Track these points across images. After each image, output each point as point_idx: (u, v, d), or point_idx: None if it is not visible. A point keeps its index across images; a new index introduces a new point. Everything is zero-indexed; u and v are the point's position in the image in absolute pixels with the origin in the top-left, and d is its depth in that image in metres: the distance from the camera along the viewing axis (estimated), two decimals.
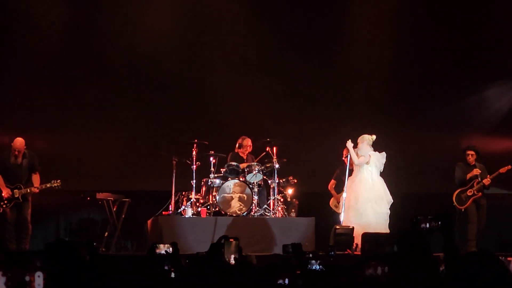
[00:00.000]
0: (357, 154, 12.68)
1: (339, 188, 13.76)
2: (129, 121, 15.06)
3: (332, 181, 13.90)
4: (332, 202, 13.75)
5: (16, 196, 12.36)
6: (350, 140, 12.72)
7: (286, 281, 5.71)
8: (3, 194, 12.36)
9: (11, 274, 5.35)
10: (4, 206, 12.37)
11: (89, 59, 14.95)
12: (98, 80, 14.99)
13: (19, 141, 12.52)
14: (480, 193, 13.08)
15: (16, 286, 5.33)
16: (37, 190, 12.50)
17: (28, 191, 12.44)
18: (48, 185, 12.55)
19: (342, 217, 12.58)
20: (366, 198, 12.43)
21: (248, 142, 13.94)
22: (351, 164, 13.17)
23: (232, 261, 5.95)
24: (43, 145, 14.29)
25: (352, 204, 12.47)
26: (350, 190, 12.57)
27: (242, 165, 13.49)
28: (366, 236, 11.47)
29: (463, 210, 13.07)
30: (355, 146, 12.77)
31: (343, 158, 13.53)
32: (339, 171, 13.90)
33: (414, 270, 4.94)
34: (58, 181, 12.56)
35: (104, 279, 5.54)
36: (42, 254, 5.43)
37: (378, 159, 12.63)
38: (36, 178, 12.60)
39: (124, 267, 7.14)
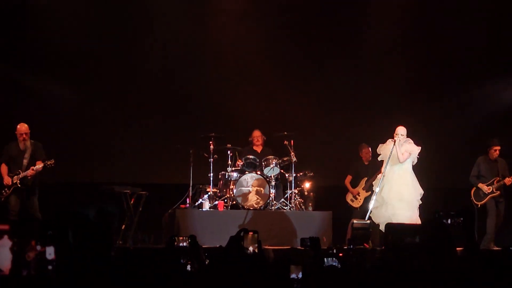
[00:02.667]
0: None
1: (355, 183, 13.74)
2: (147, 114, 15.07)
3: (349, 177, 13.88)
4: (348, 196, 13.75)
5: (14, 181, 12.24)
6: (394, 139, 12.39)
7: (300, 275, 5.68)
8: (4, 182, 12.27)
9: (18, 239, 5.34)
10: (4, 193, 12.25)
11: (107, 52, 14.95)
12: (116, 73, 14.99)
13: (24, 126, 12.42)
14: (498, 192, 13.00)
15: (22, 252, 5.32)
16: (33, 172, 12.19)
17: (24, 174, 12.21)
18: (41, 165, 12.22)
19: (370, 210, 12.34)
20: (407, 194, 12.20)
21: (256, 133, 13.93)
22: (367, 159, 13.20)
23: (251, 254, 5.92)
24: (61, 138, 14.33)
25: (392, 199, 12.19)
26: (389, 185, 12.29)
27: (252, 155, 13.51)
28: (389, 227, 11.35)
29: (479, 206, 13.00)
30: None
31: (360, 155, 13.54)
32: (355, 166, 13.87)
33: (436, 262, 4.91)
34: (52, 160, 12.26)
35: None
36: (53, 224, 5.40)
37: (416, 153, 12.42)
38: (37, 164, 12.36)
39: (141, 260, 7.12)
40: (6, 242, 5.31)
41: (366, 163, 13.89)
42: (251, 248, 6.08)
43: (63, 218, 5.28)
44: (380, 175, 12.29)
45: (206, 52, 15.28)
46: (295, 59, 15.46)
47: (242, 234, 6.00)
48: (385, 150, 12.34)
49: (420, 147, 12.20)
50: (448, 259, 4.98)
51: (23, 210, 12.33)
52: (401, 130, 12.28)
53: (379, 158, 12.53)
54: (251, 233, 6.18)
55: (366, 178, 13.66)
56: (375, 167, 13.22)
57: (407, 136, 12.26)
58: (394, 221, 11.77)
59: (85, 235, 5.21)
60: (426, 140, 13.17)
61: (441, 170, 14.83)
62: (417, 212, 12.05)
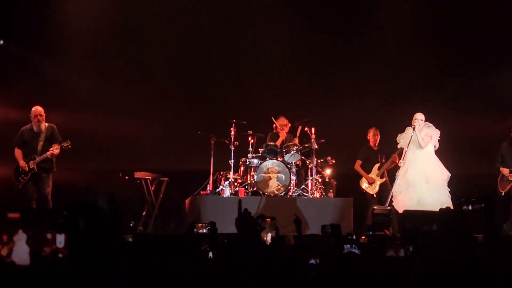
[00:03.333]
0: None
1: (367, 169, 13.62)
2: (168, 100, 15.09)
3: (358, 161, 13.77)
4: (362, 182, 13.61)
5: (31, 167, 12.13)
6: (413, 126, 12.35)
7: (318, 261, 5.68)
8: (20, 167, 12.14)
9: (32, 231, 5.37)
10: (22, 180, 12.14)
11: (129, 41, 15.00)
12: (137, 60, 15.03)
13: (38, 107, 12.34)
14: None
15: (37, 243, 5.35)
16: (51, 154, 12.10)
17: (42, 158, 12.09)
18: (57, 149, 12.13)
19: (391, 196, 12.32)
20: (433, 175, 12.20)
21: (283, 121, 13.92)
22: (375, 143, 13.29)
23: (269, 240, 5.92)
24: (83, 124, 14.37)
25: (419, 182, 12.16)
26: (413, 168, 12.25)
27: (277, 142, 13.48)
28: (406, 214, 11.32)
29: (502, 193, 12.90)
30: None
31: (368, 137, 13.54)
32: (363, 150, 13.78)
33: (453, 250, 4.88)
34: (68, 141, 12.18)
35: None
36: (63, 212, 5.43)
37: (436, 136, 12.42)
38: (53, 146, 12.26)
39: (161, 246, 7.13)
40: (22, 236, 5.34)
41: (375, 148, 13.79)
42: (269, 235, 6.09)
43: (74, 207, 5.30)
44: (399, 161, 12.30)
45: (227, 40, 15.27)
46: (316, 47, 15.39)
47: (259, 220, 5.99)
48: (404, 138, 12.33)
49: (439, 131, 12.16)
50: (466, 246, 4.95)
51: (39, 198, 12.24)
52: (419, 116, 12.30)
53: (399, 146, 12.51)
54: (269, 219, 6.18)
55: (378, 164, 13.57)
56: (384, 152, 13.24)
57: (426, 121, 12.24)
58: (422, 203, 11.75)
59: (96, 224, 5.22)
60: (450, 126, 13.12)
61: (467, 156, 14.70)
62: (448, 196, 12.00)
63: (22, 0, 14.69)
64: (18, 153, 12.31)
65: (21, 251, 5.37)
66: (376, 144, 13.75)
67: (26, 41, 14.61)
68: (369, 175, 13.57)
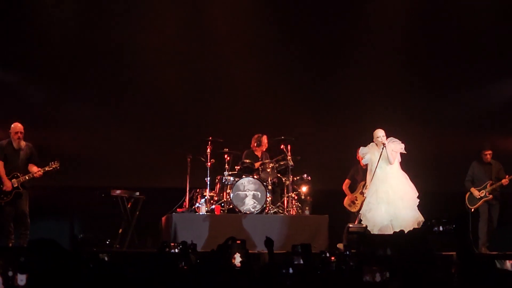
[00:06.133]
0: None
1: (353, 188, 13.75)
2: (144, 117, 15.10)
3: (347, 181, 13.90)
4: (346, 201, 13.75)
5: (15, 186, 11.99)
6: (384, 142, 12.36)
7: (290, 270, 5.72)
8: (4, 187, 11.99)
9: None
10: (5, 198, 12.02)
11: (105, 56, 14.97)
12: (112, 76, 15.01)
13: (18, 125, 12.22)
14: (491, 196, 13.02)
15: (1, 280, 5.37)
16: (40, 173, 12.05)
17: (27, 178, 12.01)
18: (47, 168, 12.11)
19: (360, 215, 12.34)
20: (406, 192, 12.20)
21: (265, 139, 13.96)
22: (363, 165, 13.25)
23: (238, 263, 5.94)
24: (58, 141, 14.36)
25: (394, 199, 12.14)
26: (385, 186, 12.25)
27: (257, 164, 13.51)
28: (362, 236, 11.26)
29: (472, 210, 13.04)
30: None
31: (358, 158, 13.52)
32: (352, 170, 13.88)
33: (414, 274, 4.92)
34: (57, 162, 12.16)
35: (90, 276, 5.56)
36: (25, 251, 5.46)
37: (399, 149, 12.42)
38: (32, 167, 12.14)
39: (135, 264, 7.13)
40: None
41: (363, 167, 13.88)
42: (238, 256, 6.11)
43: (35, 246, 5.34)
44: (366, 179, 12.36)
45: (205, 57, 15.28)
46: (293, 65, 15.43)
47: (229, 242, 6.02)
48: (370, 154, 12.33)
49: (403, 144, 12.17)
50: (426, 268, 5.00)
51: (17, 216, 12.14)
52: (380, 133, 12.30)
53: (364, 162, 12.55)
54: (239, 241, 6.21)
55: (363, 183, 13.66)
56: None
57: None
58: (399, 221, 11.73)
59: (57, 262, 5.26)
60: (422, 143, 13.21)
61: (437, 174, 14.80)
62: (419, 213, 12.02)
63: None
64: (1, 167, 12.11)
65: None
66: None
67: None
68: (353, 194, 13.66)
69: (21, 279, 5.31)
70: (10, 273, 5.32)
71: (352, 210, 13.66)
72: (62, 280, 5.21)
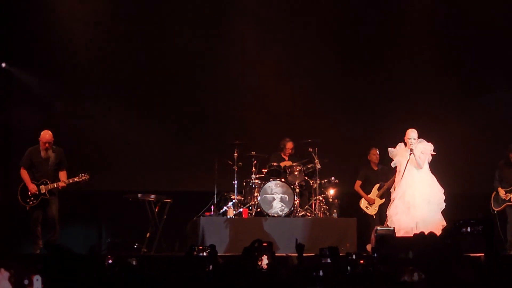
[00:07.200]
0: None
1: (367, 190, 13.66)
2: (172, 122, 15.09)
3: (358, 182, 13.82)
4: (362, 203, 13.66)
5: (42, 192, 12.00)
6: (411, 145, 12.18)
7: (321, 273, 5.68)
8: (29, 191, 12.00)
9: (14, 270, 5.40)
10: (31, 203, 12.02)
11: (132, 59, 15.01)
12: (141, 80, 15.04)
13: (48, 133, 12.17)
14: None
15: (17, 283, 5.38)
16: (65, 184, 12.07)
17: (55, 186, 12.04)
18: (76, 179, 12.15)
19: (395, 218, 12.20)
20: (434, 195, 12.06)
21: (290, 145, 13.97)
22: (375, 163, 13.51)
23: (265, 265, 5.92)
24: (85, 145, 14.42)
25: (421, 203, 11.99)
26: (412, 189, 12.08)
27: (282, 164, 13.49)
28: (381, 240, 11.14)
29: (495, 212, 12.89)
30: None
31: (368, 157, 13.59)
32: (364, 171, 13.80)
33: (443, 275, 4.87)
34: (87, 174, 12.21)
35: (118, 281, 5.56)
36: (42, 258, 5.49)
37: (428, 150, 12.27)
38: (63, 175, 12.18)
39: (163, 268, 7.15)
40: (5, 274, 5.36)
41: (375, 168, 13.85)
42: (265, 259, 6.08)
43: (53, 251, 5.35)
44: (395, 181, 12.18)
45: (231, 59, 15.24)
46: (320, 67, 15.34)
47: (256, 245, 6.00)
48: (399, 156, 12.09)
49: (432, 145, 11.97)
50: (458, 268, 4.94)
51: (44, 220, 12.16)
52: (413, 134, 12.00)
53: (392, 164, 12.31)
54: (265, 244, 6.18)
55: (378, 185, 13.60)
56: (385, 172, 13.24)
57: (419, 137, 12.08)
58: (425, 224, 11.56)
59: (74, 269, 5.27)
60: (448, 144, 13.10)
61: (464, 175, 14.66)
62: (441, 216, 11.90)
63: (22, 24, 14.73)
64: (25, 174, 12.13)
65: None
66: (377, 164, 13.79)
67: (27, 64, 14.71)
68: (369, 196, 13.59)
69: (37, 286, 5.31)
70: (26, 281, 5.32)
71: (369, 213, 13.60)
72: (80, 286, 5.21)
